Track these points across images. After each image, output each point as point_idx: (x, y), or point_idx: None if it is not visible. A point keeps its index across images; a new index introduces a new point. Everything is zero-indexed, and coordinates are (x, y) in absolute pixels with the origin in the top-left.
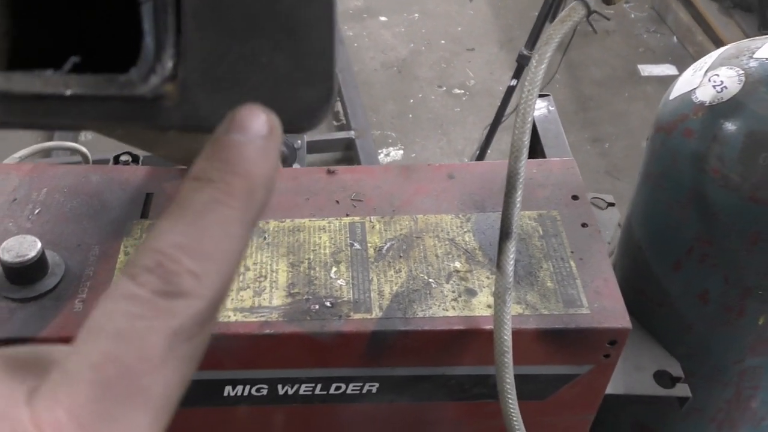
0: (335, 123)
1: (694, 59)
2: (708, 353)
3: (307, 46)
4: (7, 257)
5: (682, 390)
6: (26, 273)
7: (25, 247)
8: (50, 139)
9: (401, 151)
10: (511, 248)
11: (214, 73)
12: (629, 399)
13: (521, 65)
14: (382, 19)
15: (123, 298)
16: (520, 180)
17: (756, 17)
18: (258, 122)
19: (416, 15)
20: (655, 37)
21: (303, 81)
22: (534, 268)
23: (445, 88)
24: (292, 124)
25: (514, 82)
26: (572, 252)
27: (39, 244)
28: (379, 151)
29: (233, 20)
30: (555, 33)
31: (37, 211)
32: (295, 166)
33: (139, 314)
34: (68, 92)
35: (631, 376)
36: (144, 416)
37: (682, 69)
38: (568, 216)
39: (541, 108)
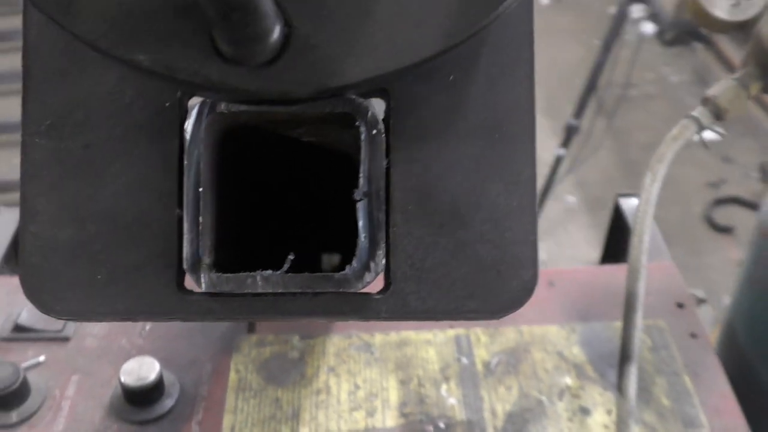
0: None
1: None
2: None
3: (512, 235)
4: (128, 380)
5: None
6: (145, 395)
7: (145, 369)
8: None
9: None
10: (633, 371)
11: (421, 266)
12: None
13: (569, 134)
14: None
15: None
16: (640, 301)
17: None
18: None
19: None
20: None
21: (507, 270)
22: (647, 383)
23: None
24: (494, 313)
25: (562, 151)
26: (685, 366)
27: (158, 366)
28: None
29: (439, 214)
30: (667, 151)
31: (148, 326)
32: None
33: None
34: (286, 291)
35: None
36: None
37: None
38: (675, 326)
39: (632, 207)
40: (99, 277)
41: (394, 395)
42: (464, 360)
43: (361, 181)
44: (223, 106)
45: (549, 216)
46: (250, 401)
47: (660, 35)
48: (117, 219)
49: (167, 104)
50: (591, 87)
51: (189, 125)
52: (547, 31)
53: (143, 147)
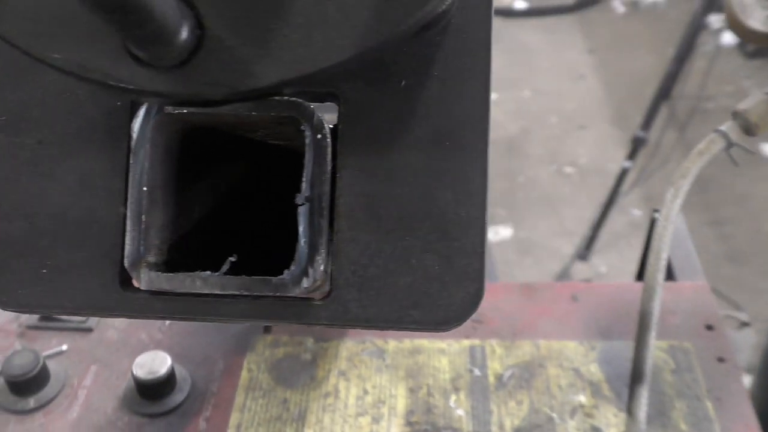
0: None
1: None
2: None
3: (459, 246)
4: (140, 373)
5: None
6: (156, 389)
7: (157, 363)
8: None
9: (510, 230)
10: (644, 393)
11: (364, 274)
12: None
13: (636, 146)
14: (492, 96)
15: None
16: (654, 320)
17: None
18: None
19: (527, 92)
20: None
21: (453, 281)
22: (666, 407)
23: (555, 167)
24: (438, 325)
25: (628, 164)
26: (708, 391)
27: (169, 361)
28: (489, 228)
29: (386, 221)
30: (691, 166)
31: (168, 321)
32: None
33: None
34: (224, 292)
35: None
36: None
37: None
38: (702, 348)
39: None
40: (45, 271)
41: (401, 403)
42: (477, 371)
43: (304, 185)
44: (170, 107)
45: (613, 229)
46: (259, 401)
47: (741, 47)
48: (66, 215)
49: (118, 104)
50: (660, 98)
51: (136, 125)
52: (620, 40)
53: (94, 145)
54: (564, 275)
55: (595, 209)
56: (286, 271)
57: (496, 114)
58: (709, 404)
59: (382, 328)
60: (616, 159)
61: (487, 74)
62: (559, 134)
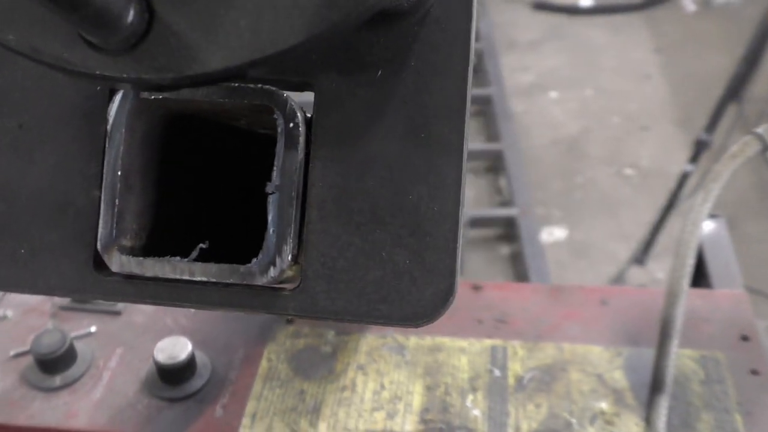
0: (497, 197)
1: None
2: None
3: (431, 241)
4: (161, 357)
5: None
6: (176, 373)
7: (178, 348)
8: None
9: (566, 231)
10: (664, 403)
11: (333, 266)
12: None
13: (699, 150)
14: (553, 95)
15: None
16: (676, 328)
17: None
18: None
19: (589, 91)
20: None
21: (423, 277)
22: (692, 418)
23: (615, 168)
24: (407, 320)
25: (690, 168)
26: (738, 404)
27: (189, 347)
28: (543, 229)
29: (358, 214)
30: (724, 170)
31: None
32: None
33: None
34: (193, 278)
35: None
36: None
37: None
38: (735, 360)
39: (710, 229)
40: (22, 251)
41: (418, 400)
42: (496, 372)
43: (275, 174)
44: (145, 93)
45: (672, 234)
46: (276, 390)
47: None
48: (44, 197)
49: (98, 89)
50: (727, 100)
51: (112, 110)
52: (690, 40)
53: (73, 129)
54: (619, 279)
55: (655, 213)
56: (254, 260)
57: (556, 113)
58: (738, 418)
59: (350, 321)
60: (678, 162)
61: (466, 67)
62: (621, 135)
